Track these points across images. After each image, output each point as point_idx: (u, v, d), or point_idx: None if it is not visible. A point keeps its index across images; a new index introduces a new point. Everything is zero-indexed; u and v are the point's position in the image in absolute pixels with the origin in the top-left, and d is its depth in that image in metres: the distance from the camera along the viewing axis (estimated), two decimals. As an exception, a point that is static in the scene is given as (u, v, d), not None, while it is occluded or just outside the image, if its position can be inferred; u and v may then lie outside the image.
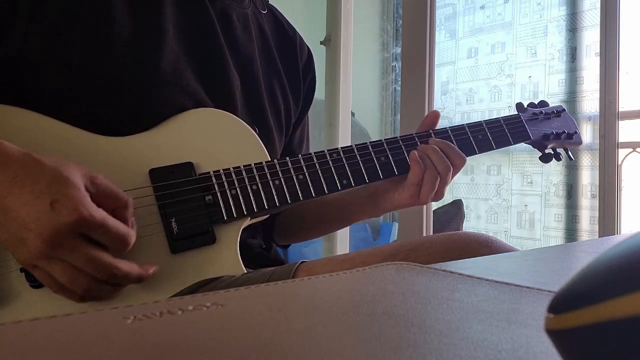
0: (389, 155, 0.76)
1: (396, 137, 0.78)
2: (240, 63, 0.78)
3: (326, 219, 0.90)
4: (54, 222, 0.50)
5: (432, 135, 0.80)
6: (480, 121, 0.84)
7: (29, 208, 0.50)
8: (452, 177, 0.79)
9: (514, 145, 0.89)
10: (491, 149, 0.84)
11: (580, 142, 0.94)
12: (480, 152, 0.83)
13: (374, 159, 0.76)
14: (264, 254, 0.81)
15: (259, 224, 0.84)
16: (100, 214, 0.53)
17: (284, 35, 0.90)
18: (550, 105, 0.95)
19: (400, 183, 0.78)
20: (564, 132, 0.92)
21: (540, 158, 0.93)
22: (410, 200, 0.78)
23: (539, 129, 0.90)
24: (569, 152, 0.96)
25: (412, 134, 0.79)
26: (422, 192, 0.77)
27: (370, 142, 0.77)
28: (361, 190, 0.84)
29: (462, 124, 0.83)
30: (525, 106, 0.92)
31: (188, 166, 0.67)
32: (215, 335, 0.24)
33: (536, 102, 0.94)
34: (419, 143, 0.78)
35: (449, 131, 0.81)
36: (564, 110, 0.95)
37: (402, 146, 0.77)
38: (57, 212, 0.50)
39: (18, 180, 0.51)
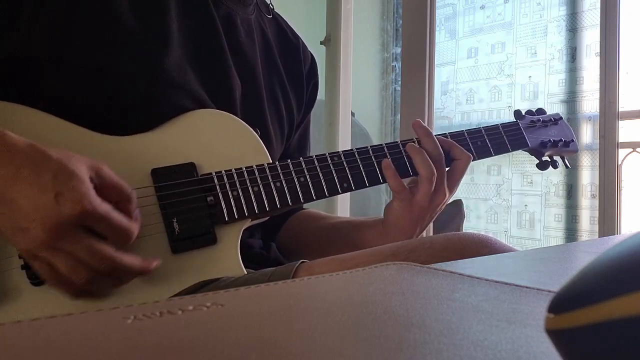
0: (389, 159, 0.77)
1: (396, 142, 0.78)
2: (242, 68, 0.78)
3: (333, 241, 0.87)
4: (57, 214, 0.51)
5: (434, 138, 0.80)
6: (479, 127, 0.85)
7: (33, 200, 0.51)
8: (459, 176, 0.77)
9: (511, 151, 0.89)
10: (489, 155, 0.84)
11: (577, 150, 0.95)
12: (479, 158, 0.84)
13: (375, 162, 0.76)
14: (264, 254, 0.81)
15: (260, 227, 0.84)
16: (103, 207, 0.53)
17: (287, 42, 0.90)
18: (548, 113, 0.95)
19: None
20: (561, 140, 0.92)
21: (538, 165, 0.94)
22: (403, 205, 0.75)
23: (536, 136, 0.91)
24: (566, 160, 0.97)
25: (413, 139, 0.80)
26: (419, 192, 0.74)
27: (371, 146, 0.77)
28: (370, 218, 0.83)
29: (462, 130, 0.84)
30: (523, 113, 0.93)
31: (190, 167, 0.67)
32: (215, 335, 0.24)
33: (534, 110, 0.95)
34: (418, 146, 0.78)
35: (449, 137, 0.82)
36: (561, 118, 0.96)
37: (403, 150, 0.78)
38: (61, 205, 0.51)
39: (23, 172, 0.51)
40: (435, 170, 0.74)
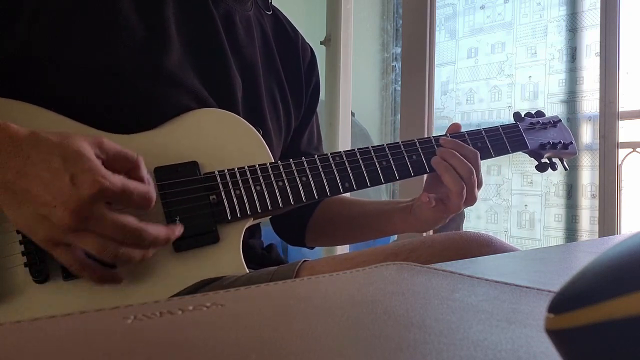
0: (391, 160, 0.77)
1: (398, 142, 0.79)
2: (242, 66, 0.78)
3: (359, 225, 0.89)
4: (77, 195, 0.51)
5: (433, 141, 0.80)
6: (480, 129, 0.85)
7: (50, 186, 0.51)
8: (478, 178, 0.78)
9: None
10: (490, 156, 0.85)
11: (575, 153, 0.96)
12: None
13: (376, 162, 0.76)
14: (265, 255, 0.81)
15: (260, 227, 0.84)
16: (119, 180, 0.54)
17: (286, 37, 0.90)
18: (547, 116, 0.96)
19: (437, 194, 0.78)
20: (560, 142, 0.93)
21: (537, 167, 0.95)
22: (438, 214, 0.78)
23: (536, 138, 0.91)
24: (564, 162, 0.97)
25: (414, 139, 0.80)
26: (451, 203, 0.76)
27: (372, 147, 0.78)
28: (398, 203, 0.84)
29: (462, 132, 0.84)
30: (523, 116, 0.93)
31: (193, 165, 0.67)
32: (215, 335, 0.24)
33: (533, 112, 0.95)
34: (419, 148, 0.79)
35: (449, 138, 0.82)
36: (560, 120, 0.96)
37: (404, 151, 0.78)
38: (79, 186, 0.51)
39: (31, 161, 0.52)
40: (464, 185, 0.76)
